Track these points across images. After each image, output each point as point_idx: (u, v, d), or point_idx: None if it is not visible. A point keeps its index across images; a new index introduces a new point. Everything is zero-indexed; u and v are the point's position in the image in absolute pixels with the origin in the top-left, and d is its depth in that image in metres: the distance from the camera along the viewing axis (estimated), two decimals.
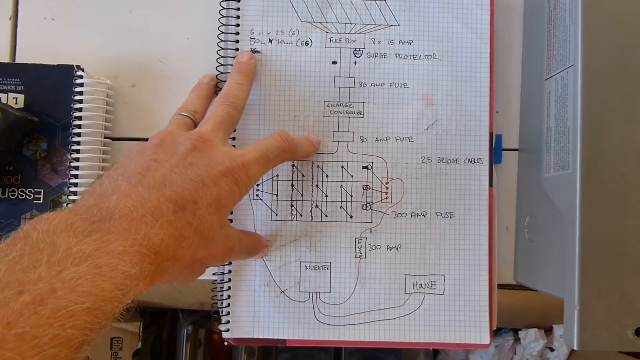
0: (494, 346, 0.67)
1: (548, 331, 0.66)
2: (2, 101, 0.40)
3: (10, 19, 0.43)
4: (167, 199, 0.30)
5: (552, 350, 0.66)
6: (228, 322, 0.41)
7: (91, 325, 0.24)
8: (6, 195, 0.40)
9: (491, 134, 0.42)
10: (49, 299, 0.23)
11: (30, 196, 0.40)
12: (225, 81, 0.41)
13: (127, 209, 0.29)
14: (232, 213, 0.41)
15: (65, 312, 0.23)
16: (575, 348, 0.33)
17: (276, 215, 0.41)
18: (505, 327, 0.68)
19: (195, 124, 0.38)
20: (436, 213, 0.42)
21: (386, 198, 0.42)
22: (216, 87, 0.42)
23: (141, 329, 0.62)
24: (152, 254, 0.28)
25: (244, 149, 0.35)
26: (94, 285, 0.25)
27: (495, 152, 0.43)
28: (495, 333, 0.69)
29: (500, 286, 0.44)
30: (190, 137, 0.34)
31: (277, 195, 0.41)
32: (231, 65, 0.41)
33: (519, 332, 0.66)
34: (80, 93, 0.40)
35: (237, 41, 0.42)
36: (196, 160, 0.33)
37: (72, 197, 0.40)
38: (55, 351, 0.23)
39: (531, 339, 0.64)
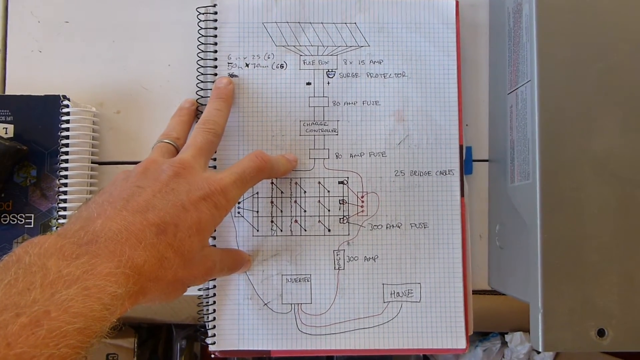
0: (482, 350, 0.68)
1: None
2: None
3: None
4: (150, 222, 0.32)
5: (538, 352, 0.68)
6: (214, 335, 0.43)
7: (82, 344, 0.26)
8: None
9: (461, 147, 0.44)
10: (44, 321, 0.25)
11: (21, 221, 0.42)
12: (205, 105, 0.43)
13: (112, 232, 0.30)
14: (215, 230, 0.43)
15: (59, 333, 0.25)
16: (540, 350, 0.35)
17: (257, 231, 0.43)
18: (492, 331, 0.70)
19: (177, 150, 0.40)
20: (410, 224, 0.44)
21: (362, 211, 0.44)
22: (197, 110, 0.44)
23: (136, 345, 0.63)
24: (135, 275, 0.30)
25: (223, 173, 0.37)
26: (84, 307, 0.26)
27: (466, 163, 0.45)
28: (483, 337, 0.70)
29: (477, 292, 0.46)
30: (172, 164, 0.36)
31: (257, 211, 0.43)
32: (210, 89, 0.43)
33: (506, 335, 0.68)
34: (67, 121, 0.42)
35: (216, 66, 0.44)
36: (177, 186, 0.34)
37: (61, 221, 0.42)
38: None
39: (517, 342, 0.66)
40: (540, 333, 0.35)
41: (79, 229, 0.31)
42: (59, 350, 0.25)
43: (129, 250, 0.30)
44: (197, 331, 0.67)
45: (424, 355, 0.73)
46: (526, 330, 0.66)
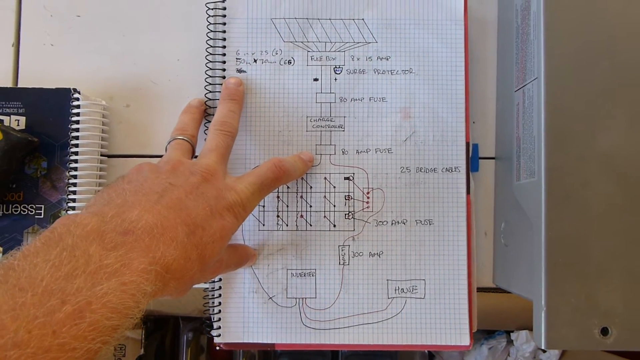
0: (488, 348, 0.68)
1: None
2: (5, 123, 0.43)
3: (13, 45, 0.46)
4: (182, 221, 0.32)
5: (544, 351, 0.67)
6: (219, 327, 0.43)
7: (111, 341, 0.26)
8: (9, 211, 0.43)
9: (467, 144, 0.44)
10: (86, 313, 0.24)
11: (32, 212, 0.43)
12: (212, 100, 0.43)
13: (148, 225, 0.30)
14: None
15: (97, 327, 0.25)
16: (542, 347, 0.35)
17: (263, 225, 0.44)
18: (498, 330, 0.70)
19: (192, 148, 0.41)
20: (416, 220, 0.44)
21: (367, 207, 0.44)
22: (205, 112, 0.44)
23: (143, 336, 0.64)
24: (164, 272, 0.30)
25: (243, 182, 0.37)
26: (120, 302, 0.26)
27: (472, 160, 0.45)
28: (489, 335, 0.70)
29: (481, 289, 0.46)
30: (201, 169, 0.36)
31: (263, 206, 0.44)
32: (219, 84, 0.44)
33: (511, 334, 0.68)
34: (77, 114, 0.43)
35: (224, 62, 0.44)
36: (206, 191, 0.35)
37: (70, 212, 0.42)
38: None
39: (523, 340, 0.66)
40: (543, 331, 0.35)
41: (115, 215, 0.30)
42: (95, 345, 0.24)
43: (163, 247, 0.30)
44: (203, 324, 0.67)
45: (430, 353, 0.73)
46: (532, 328, 0.66)
